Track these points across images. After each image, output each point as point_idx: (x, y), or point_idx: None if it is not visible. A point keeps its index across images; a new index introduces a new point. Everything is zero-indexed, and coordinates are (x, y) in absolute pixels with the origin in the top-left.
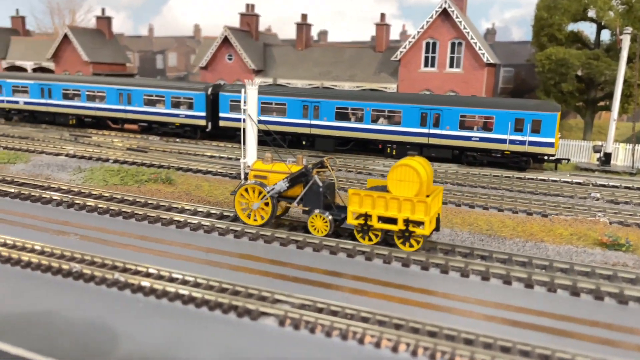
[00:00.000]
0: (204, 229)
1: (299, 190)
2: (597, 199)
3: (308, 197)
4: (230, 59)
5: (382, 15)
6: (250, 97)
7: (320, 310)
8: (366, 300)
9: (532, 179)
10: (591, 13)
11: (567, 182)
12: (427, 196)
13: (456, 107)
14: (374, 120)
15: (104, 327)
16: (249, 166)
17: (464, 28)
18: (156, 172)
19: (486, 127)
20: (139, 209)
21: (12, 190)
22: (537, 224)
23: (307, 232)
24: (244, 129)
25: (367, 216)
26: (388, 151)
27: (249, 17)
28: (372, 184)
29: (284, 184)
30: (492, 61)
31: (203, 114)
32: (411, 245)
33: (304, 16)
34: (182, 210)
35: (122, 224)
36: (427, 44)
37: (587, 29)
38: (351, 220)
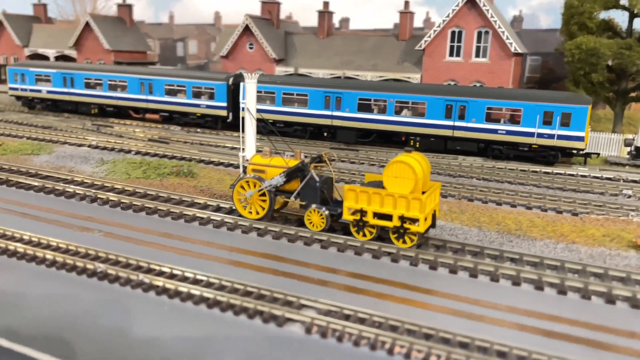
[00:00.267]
0: (227, 227)
1: (296, 185)
2: (629, 197)
3: (305, 191)
4: (251, 48)
5: (406, 3)
6: (249, 91)
7: (347, 318)
8: (393, 306)
9: (560, 174)
10: (623, 1)
11: (597, 177)
12: (424, 192)
13: (483, 99)
14: (397, 112)
15: (130, 332)
16: (247, 160)
17: (491, 16)
18: (178, 165)
19: (513, 120)
20: (161, 205)
21: (36, 184)
22: (568, 223)
23: (331, 230)
24: (243, 123)
25: (362, 212)
26: (411, 143)
27: (270, 4)
28: (369, 179)
29: (280, 178)
30: (519, 51)
31: (224, 104)
32: (405, 242)
33: (326, 4)
34: (204, 207)
35: (145, 220)
36: (453, 32)
37: (619, 17)
38: (347, 216)
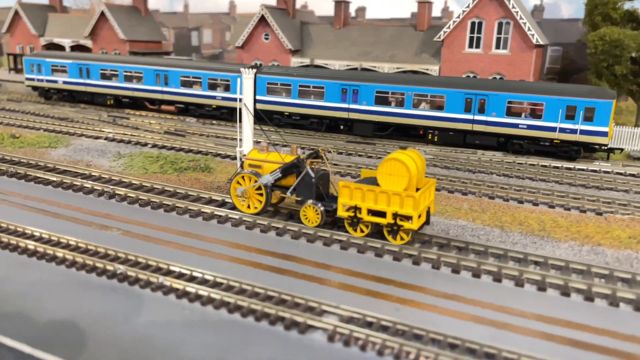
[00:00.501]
0: (246, 225)
1: (293, 180)
2: None
3: (300, 187)
4: (266, 39)
5: None
6: (246, 86)
7: (369, 325)
8: (418, 313)
9: (582, 169)
10: None
11: (620, 173)
12: (418, 189)
13: (503, 92)
14: (416, 105)
15: (152, 338)
16: (244, 155)
17: (512, 7)
18: (195, 160)
19: (535, 114)
20: (179, 202)
21: (54, 179)
22: (592, 223)
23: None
24: (240, 118)
25: (357, 209)
26: (429, 137)
27: None
28: (365, 175)
29: (276, 174)
30: (541, 42)
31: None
32: (402, 239)
33: None
34: (222, 204)
35: (163, 217)
36: (473, 23)
37: None
38: (342, 212)
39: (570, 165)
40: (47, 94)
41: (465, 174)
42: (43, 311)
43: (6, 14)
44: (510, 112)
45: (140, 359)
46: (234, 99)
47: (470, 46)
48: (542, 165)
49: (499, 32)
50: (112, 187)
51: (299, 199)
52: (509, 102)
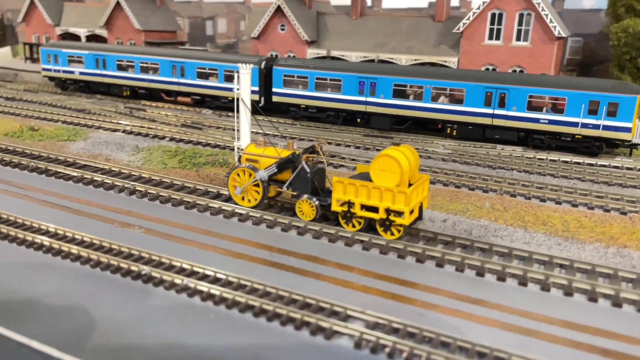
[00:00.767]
0: (266, 224)
1: (289, 175)
2: None
3: (296, 182)
4: (282, 30)
5: None
6: (243, 81)
7: (396, 332)
8: (444, 318)
9: (604, 165)
10: None
11: None
12: (411, 184)
13: (525, 86)
14: (434, 99)
15: (180, 342)
16: (242, 149)
17: None
18: (213, 154)
19: (556, 109)
20: (200, 199)
21: (75, 174)
22: (617, 224)
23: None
24: (238, 113)
25: (350, 204)
26: (448, 131)
27: None
28: (360, 170)
29: (272, 169)
30: (563, 35)
31: (256, 88)
32: (392, 234)
33: None
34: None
35: (184, 214)
36: (493, 15)
37: None
38: (335, 207)
39: (592, 161)
40: (64, 85)
41: (485, 170)
42: (70, 313)
43: (22, 2)
44: (531, 107)
45: None
46: (251, 91)
47: (490, 38)
48: (563, 161)
49: (520, 24)
50: (132, 183)
51: (295, 193)
52: (530, 97)
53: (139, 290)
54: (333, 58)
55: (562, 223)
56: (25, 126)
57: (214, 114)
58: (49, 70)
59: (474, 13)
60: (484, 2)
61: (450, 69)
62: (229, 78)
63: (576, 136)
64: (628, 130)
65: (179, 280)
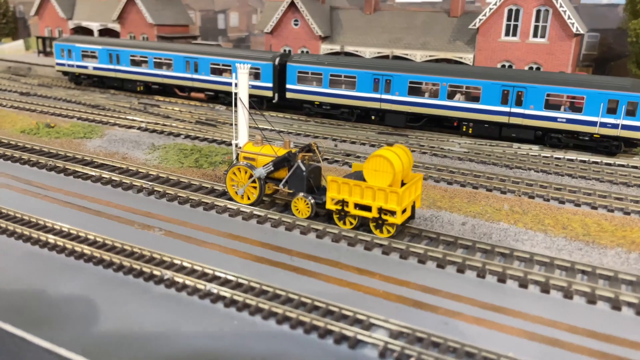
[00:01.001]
0: (285, 226)
1: (285, 173)
2: None
3: (292, 180)
4: (296, 25)
5: None
6: (241, 80)
7: (419, 340)
8: (467, 327)
9: (622, 165)
10: None
11: None
12: (404, 184)
13: (542, 85)
14: (450, 96)
15: (205, 350)
16: (239, 147)
17: None
18: (228, 153)
19: (575, 108)
20: (218, 201)
21: (93, 174)
22: (638, 227)
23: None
24: (236, 112)
25: (344, 202)
26: (464, 129)
27: None
28: (356, 168)
29: (268, 167)
30: (581, 31)
31: (270, 84)
32: (387, 232)
33: None
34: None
35: (203, 216)
36: (510, 11)
37: None
38: (330, 205)
39: (610, 160)
40: (77, 80)
41: (502, 169)
42: (95, 319)
43: None
44: (548, 105)
45: None
46: (264, 88)
47: (507, 34)
48: (581, 161)
49: (537, 20)
50: (150, 183)
51: (291, 191)
52: (548, 95)
53: (163, 296)
54: (347, 54)
55: (583, 227)
56: (41, 123)
57: (227, 109)
58: (63, 65)
59: (490, 9)
60: None
61: (466, 66)
62: None
63: (594, 135)
64: None
65: (201, 285)
